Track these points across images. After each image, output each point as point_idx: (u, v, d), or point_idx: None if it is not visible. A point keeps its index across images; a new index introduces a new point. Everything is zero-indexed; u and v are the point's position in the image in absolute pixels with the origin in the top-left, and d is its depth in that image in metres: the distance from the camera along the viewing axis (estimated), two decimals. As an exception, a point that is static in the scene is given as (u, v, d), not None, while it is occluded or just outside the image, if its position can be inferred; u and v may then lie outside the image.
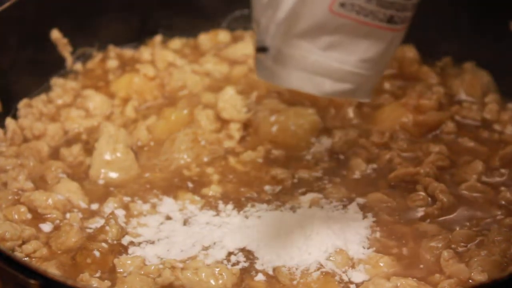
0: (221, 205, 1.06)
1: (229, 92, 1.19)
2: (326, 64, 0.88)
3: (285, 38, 0.86)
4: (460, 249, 1.00)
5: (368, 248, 1.01)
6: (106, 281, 0.97)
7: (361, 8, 0.86)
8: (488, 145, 1.14)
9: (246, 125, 1.17)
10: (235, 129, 1.15)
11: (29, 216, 1.05)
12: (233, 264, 0.99)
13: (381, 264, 0.98)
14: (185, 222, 1.05)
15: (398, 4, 0.87)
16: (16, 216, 1.04)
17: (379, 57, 0.90)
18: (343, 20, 0.86)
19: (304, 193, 1.07)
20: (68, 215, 1.05)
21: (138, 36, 1.30)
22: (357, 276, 0.98)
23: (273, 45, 0.86)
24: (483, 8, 1.16)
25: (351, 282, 0.97)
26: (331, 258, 0.99)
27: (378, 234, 1.03)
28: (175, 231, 1.03)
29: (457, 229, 1.02)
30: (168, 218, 1.05)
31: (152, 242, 1.02)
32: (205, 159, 1.13)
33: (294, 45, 0.87)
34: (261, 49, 0.86)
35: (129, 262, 0.99)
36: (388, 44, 0.90)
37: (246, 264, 0.99)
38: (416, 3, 0.89)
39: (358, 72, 0.90)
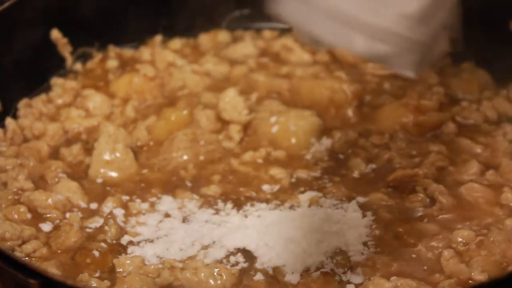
0: (220, 204, 1.07)
1: (231, 93, 1.19)
2: (360, 15, 0.80)
3: None
4: (460, 248, 1.00)
5: (367, 248, 1.01)
6: (105, 281, 0.97)
7: None
8: (488, 145, 1.14)
9: (246, 126, 1.17)
10: (235, 131, 1.16)
11: (29, 216, 1.05)
12: (233, 265, 0.99)
13: (380, 264, 0.98)
14: (184, 220, 1.05)
15: None
16: (16, 216, 1.05)
17: (424, 15, 0.79)
18: None
19: (303, 192, 1.07)
20: (68, 215, 1.06)
21: (138, 36, 1.30)
22: (357, 276, 0.98)
23: None
24: (482, 8, 1.16)
25: (350, 283, 0.97)
26: (330, 258, 0.99)
27: (377, 233, 1.02)
28: (174, 229, 1.03)
29: (457, 229, 1.02)
30: (167, 216, 1.05)
31: (151, 241, 1.02)
32: (204, 159, 1.13)
33: None
34: None
35: (128, 262, 0.99)
36: (436, 3, 0.79)
37: (245, 265, 0.99)
38: None
39: (397, 31, 0.79)
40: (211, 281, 0.96)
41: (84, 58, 1.27)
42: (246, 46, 1.29)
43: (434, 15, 0.81)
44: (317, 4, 0.80)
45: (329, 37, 0.82)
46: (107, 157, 1.11)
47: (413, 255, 1.00)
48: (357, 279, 0.97)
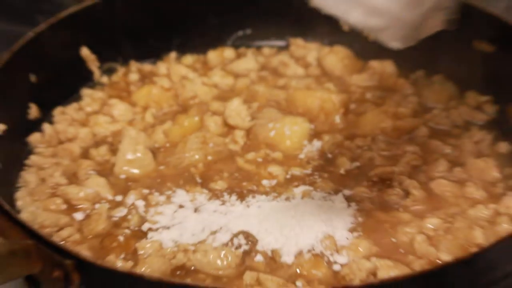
0: (226, 196, 1.07)
1: (235, 102, 1.19)
2: None
3: None
4: (430, 234, 1.01)
5: (351, 233, 1.02)
6: (129, 261, 0.98)
7: None
8: (456, 146, 1.15)
9: (248, 131, 1.18)
10: (239, 136, 1.16)
11: (64, 206, 1.06)
12: (236, 247, 1.00)
13: (362, 247, 1.00)
14: (196, 210, 1.06)
15: None
16: (53, 207, 1.06)
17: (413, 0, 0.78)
18: None
19: (297, 186, 1.08)
20: (97, 206, 1.07)
21: (156, 53, 1.31)
22: (342, 257, 0.99)
23: None
24: (451, 30, 1.17)
25: (337, 263, 0.98)
26: (320, 242, 1.00)
27: (360, 220, 1.03)
28: (186, 218, 1.04)
29: (428, 217, 1.03)
30: (181, 206, 1.06)
31: (168, 228, 1.03)
32: (212, 159, 1.14)
33: None
34: None
35: (148, 245, 1.00)
36: None
37: (247, 247, 1.00)
38: None
39: (390, 10, 0.79)
40: (219, 262, 0.97)
41: (109, 72, 1.28)
42: (248, 62, 1.30)
43: (419, 2, 0.80)
44: None
45: (332, 9, 0.80)
46: (129, 156, 1.12)
47: (392, 239, 1.01)
48: (342, 260, 0.98)
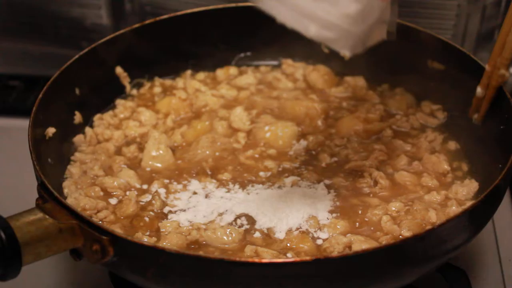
0: (231, 185, 1.07)
1: (238, 110, 1.19)
2: (314, 11, 0.78)
3: None
4: (394, 215, 1.01)
5: (331, 214, 1.02)
6: (153, 237, 0.98)
7: None
8: (414, 144, 1.14)
9: (248, 133, 1.17)
10: (241, 137, 1.15)
11: (101, 193, 1.06)
12: (239, 226, 1.00)
13: (340, 225, 0.99)
14: (206, 196, 1.05)
15: None
16: (93, 194, 1.05)
17: (358, 17, 0.79)
18: None
19: (287, 177, 1.08)
20: (127, 193, 1.06)
21: (175, 71, 1.30)
22: (324, 233, 0.99)
23: None
24: (409, 51, 1.17)
25: (320, 238, 0.98)
26: (306, 221, 1.00)
27: (338, 204, 1.03)
28: (199, 202, 1.04)
29: (392, 201, 1.03)
30: (195, 193, 1.06)
31: (184, 210, 1.03)
32: (219, 155, 1.13)
33: None
34: None
35: (168, 225, 1.00)
36: (367, 8, 0.78)
37: (247, 226, 1.00)
38: None
39: (339, 25, 0.78)
40: (225, 238, 0.97)
41: (138, 86, 1.27)
42: (249, 77, 1.29)
43: (367, 16, 0.80)
44: (286, 1, 0.78)
45: (295, 25, 0.79)
46: (153, 153, 1.11)
47: (364, 219, 1.01)
48: (324, 235, 0.98)
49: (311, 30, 0.79)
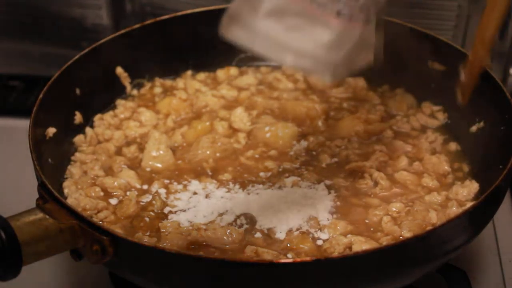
0: (231, 185, 1.07)
1: (239, 110, 1.19)
2: (288, 42, 0.77)
3: (253, 13, 0.75)
4: (394, 215, 1.01)
5: (331, 215, 1.02)
6: (153, 238, 0.98)
7: None
8: (415, 145, 1.14)
9: (249, 133, 1.17)
10: (242, 137, 1.15)
11: (101, 193, 1.06)
12: (239, 226, 0.99)
13: (340, 226, 0.99)
14: (207, 196, 1.05)
15: (344, 1, 0.76)
16: (93, 194, 1.05)
17: (333, 46, 0.78)
18: (300, 7, 0.75)
19: (287, 177, 1.08)
20: (128, 193, 1.06)
21: (175, 71, 1.30)
22: (324, 234, 0.99)
23: (242, 16, 0.74)
24: (409, 52, 1.16)
25: (320, 239, 0.98)
26: (306, 222, 1.00)
27: (338, 205, 1.03)
28: (199, 202, 1.04)
29: (392, 202, 1.03)
30: (195, 193, 1.06)
31: (184, 211, 1.03)
32: (220, 155, 1.13)
33: (261, 21, 0.76)
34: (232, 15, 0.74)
35: (168, 225, 0.99)
36: (341, 36, 0.77)
37: (248, 226, 1.00)
38: (365, 7, 0.76)
39: (315, 54, 0.78)
40: (225, 238, 0.97)
41: (138, 86, 1.27)
42: (249, 78, 1.29)
43: (344, 43, 0.79)
44: (258, 32, 0.77)
45: (271, 55, 0.79)
46: (154, 153, 1.11)
47: (364, 220, 1.01)
48: (324, 236, 0.98)
49: (287, 61, 0.78)
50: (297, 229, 0.99)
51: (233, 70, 1.31)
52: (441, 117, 1.19)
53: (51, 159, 1.06)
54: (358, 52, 0.82)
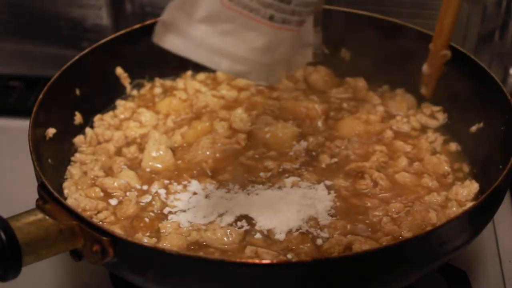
0: (231, 186, 1.07)
1: (239, 111, 1.19)
2: (223, 47, 0.77)
3: (188, 20, 0.75)
4: (394, 216, 1.01)
5: (331, 215, 1.02)
6: (153, 238, 0.98)
7: (246, 5, 0.76)
8: (415, 145, 1.14)
9: (249, 134, 1.17)
10: (242, 138, 1.15)
11: (101, 194, 1.06)
12: (239, 227, 0.99)
13: (340, 226, 0.99)
14: (206, 197, 1.05)
15: (276, 6, 0.76)
16: (93, 194, 1.05)
17: (267, 49, 0.79)
18: (233, 13, 0.75)
19: (287, 177, 1.08)
20: (127, 193, 1.06)
21: (175, 71, 1.29)
22: (324, 234, 0.98)
23: (176, 23, 0.74)
24: (409, 52, 1.16)
25: (320, 239, 0.98)
26: (306, 222, 1.00)
27: (338, 205, 1.03)
28: (199, 203, 1.04)
29: (392, 202, 1.03)
30: (195, 194, 1.06)
31: (184, 211, 1.03)
32: (220, 156, 1.13)
33: (196, 27, 0.76)
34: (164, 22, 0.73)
35: (168, 225, 0.99)
36: (275, 39, 0.78)
37: (248, 227, 0.99)
38: (298, 10, 0.77)
39: (250, 58, 0.78)
40: (225, 238, 0.97)
41: (138, 87, 1.27)
42: None
43: (277, 46, 0.79)
44: (193, 39, 0.77)
45: (207, 62, 0.79)
46: (154, 154, 1.11)
47: (366, 221, 1.01)
48: (324, 236, 0.98)
49: (223, 66, 0.79)
50: (297, 230, 0.99)
51: (233, 71, 1.31)
52: (441, 117, 1.19)
53: (51, 160, 1.06)
54: (294, 52, 0.82)
